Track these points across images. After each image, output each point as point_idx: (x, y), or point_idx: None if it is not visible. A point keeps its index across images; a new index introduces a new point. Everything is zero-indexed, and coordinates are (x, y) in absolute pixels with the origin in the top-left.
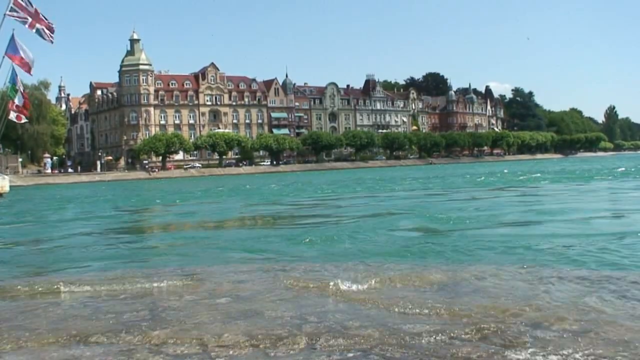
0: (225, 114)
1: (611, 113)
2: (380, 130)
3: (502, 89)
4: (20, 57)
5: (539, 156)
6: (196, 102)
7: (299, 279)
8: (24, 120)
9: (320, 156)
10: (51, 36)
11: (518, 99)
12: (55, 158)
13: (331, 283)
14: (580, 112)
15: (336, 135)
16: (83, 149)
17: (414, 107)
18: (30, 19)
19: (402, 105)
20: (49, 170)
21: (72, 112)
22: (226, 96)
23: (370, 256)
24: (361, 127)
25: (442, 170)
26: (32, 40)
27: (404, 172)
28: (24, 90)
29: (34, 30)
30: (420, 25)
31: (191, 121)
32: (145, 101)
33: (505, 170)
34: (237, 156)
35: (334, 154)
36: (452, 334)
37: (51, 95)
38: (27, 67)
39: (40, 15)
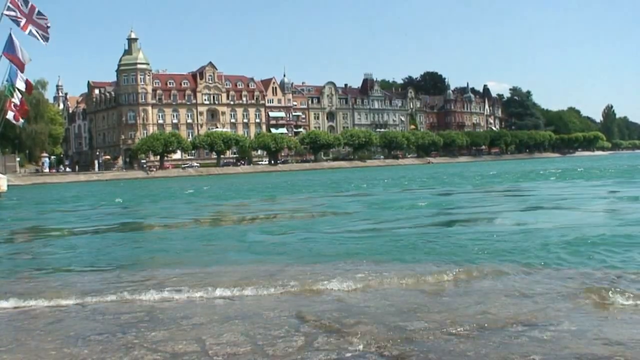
0: (223, 113)
1: (609, 112)
2: (378, 130)
3: (500, 88)
4: (16, 57)
5: (536, 155)
6: (194, 101)
7: (297, 279)
8: (21, 121)
9: (319, 155)
10: (45, 37)
11: (516, 98)
12: (53, 157)
13: (328, 283)
14: (578, 112)
15: (334, 134)
16: (81, 149)
17: (412, 107)
18: (24, 20)
19: (400, 104)
20: (47, 170)
21: (70, 111)
22: (224, 95)
23: (367, 256)
24: (359, 127)
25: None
26: (30, 39)
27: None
28: (26, 86)
29: (27, 32)
30: (419, 24)
31: (189, 120)
32: (143, 100)
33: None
34: (235, 155)
35: (332, 154)
36: (449, 332)
37: (49, 95)
38: (22, 67)
39: (35, 13)
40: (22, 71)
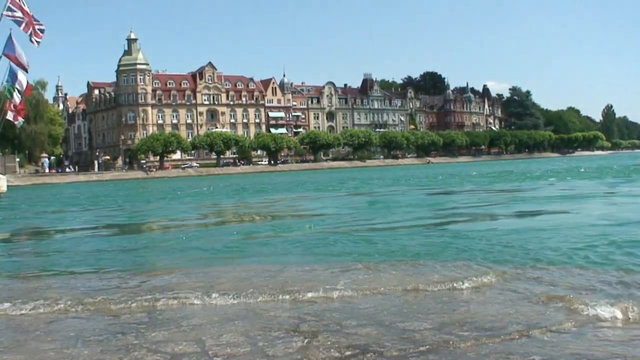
0: (223, 113)
1: (608, 112)
2: (377, 130)
3: (499, 88)
4: (16, 57)
5: (536, 155)
6: (194, 101)
7: (297, 279)
8: (20, 120)
9: (318, 155)
10: (36, 41)
11: (515, 97)
12: (52, 158)
13: (328, 283)
14: (577, 111)
15: (334, 134)
16: (80, 149)
17: (411, 106)
18: (26, 20)
19: (399, 104)
20: (47, 170)
21: (70, 111)
22: (224, 96)
23: (366, 256)
24: (359, 127)
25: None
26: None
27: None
28: (25, 87)
29: (28, 33)
30: (418, 24)
31: (189, 121)
32: (143, 101)
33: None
34: (234, 156)
35: (332, 154)
36: (450, 332)
37: (48, 95)
38: (23, 67)
39: (31, 16)
40: (26, 71)
